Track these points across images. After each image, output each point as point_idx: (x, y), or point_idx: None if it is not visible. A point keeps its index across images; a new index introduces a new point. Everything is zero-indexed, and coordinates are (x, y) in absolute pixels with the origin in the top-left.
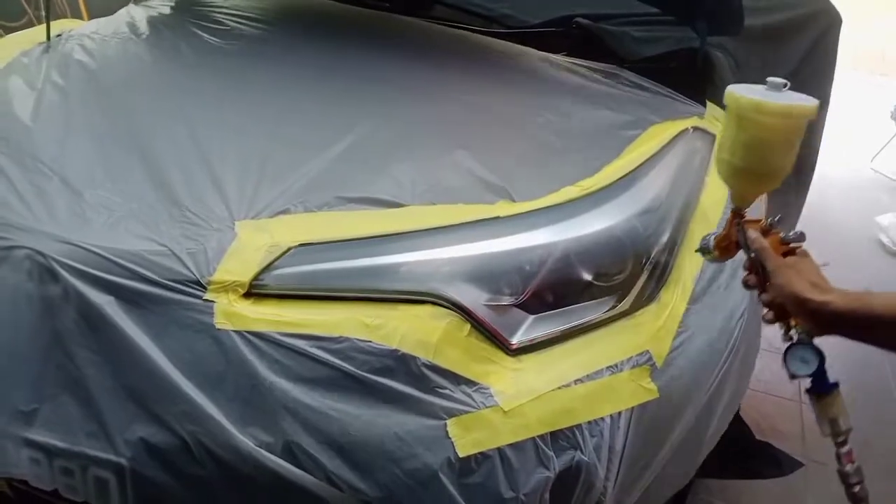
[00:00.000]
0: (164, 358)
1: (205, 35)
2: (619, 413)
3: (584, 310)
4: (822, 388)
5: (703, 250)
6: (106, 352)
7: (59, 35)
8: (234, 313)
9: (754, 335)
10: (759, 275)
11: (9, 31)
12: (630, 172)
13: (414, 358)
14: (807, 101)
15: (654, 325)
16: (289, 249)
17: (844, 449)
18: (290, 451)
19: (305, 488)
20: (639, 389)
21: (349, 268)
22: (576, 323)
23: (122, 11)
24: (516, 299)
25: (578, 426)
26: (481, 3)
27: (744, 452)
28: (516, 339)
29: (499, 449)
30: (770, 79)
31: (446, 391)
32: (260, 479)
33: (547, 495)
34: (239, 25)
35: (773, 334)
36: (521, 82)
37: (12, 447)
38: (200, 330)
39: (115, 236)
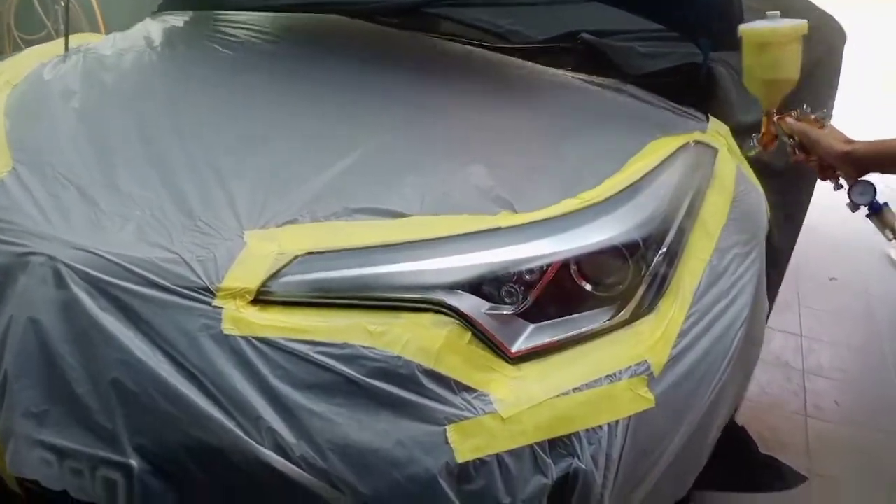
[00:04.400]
0: (172, 362)
1: (219, 48)
2: (617, 421)
3: (583, 319)
4: (877, 207)
5: (750, 149)
6: (115, 355)
7: (77, 48)
8: (241, 319)
9: (754, 345)
10: (803, 150)
11: (28, 43)
12: (630, 185)
13: (415, 364)
14: (800, 21)
15: (653, 335)
16: (295, 258)
17: None
18: (293, 454)
19: (308, 490)
20: (636, 398)
21: (354, 276)
22: (575, 332)
23: (139, 26)
24: (517, 308)
25: (576, 434)
26: (489, 20)
27: (747, 465)
28: (516, 348)
29: (497, 455)
30: (769, 12)
31: (446, 397)
32: (263, 481)
33: (545, 502)
34: (253, 40)
35: (779, 347)
36: (527, 98)
37: (24, 448)
38: (209, 335)
39: (128, 243)
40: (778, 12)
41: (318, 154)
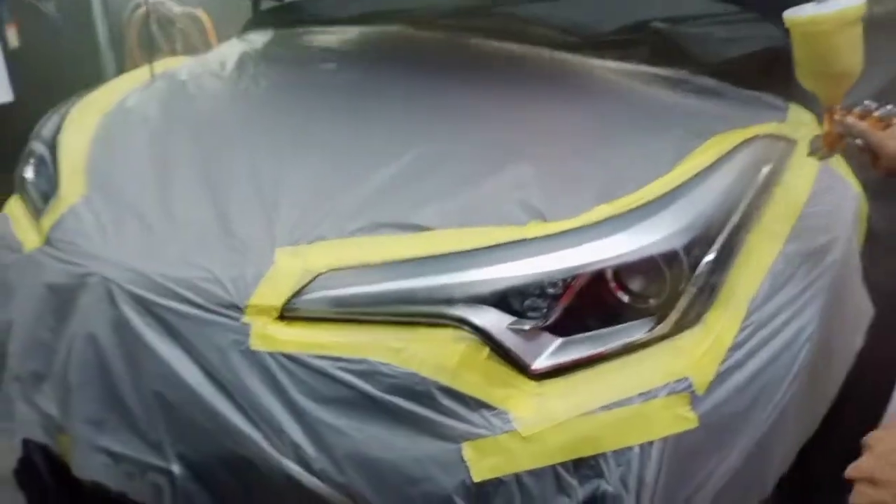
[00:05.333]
0: (207, 376)
1: (286, 67)
2: (651, 442)
3: (618, 333)
4: None
5: (814, 151)
6: (157, 369)
7: (162, 73)
8: (267, 335)
9: (833, 359)
10: (869, 152)
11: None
12: (675, 188)
13: (432, 381)
14: (854, 2)
15: (698, 350)
16: (319, 275)
17: None
18: (313, 467)
19: (328, 502)
20: (675, 418)
21: (374, 292)
22: (607, 347)
23: (220, 48)
24: (541, 322)
25: (603, 455)
26: (554, 14)
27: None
28: (538, 364)
29: (517, 475)
30: None
31: (463, 415)
32: (288, 492)
33: None
34: (322, 55)
35: None
36: (581, 97)
37: (87, 452)
38: (238, 350)
39: (172, 264)
40: None
41: (352, 168)
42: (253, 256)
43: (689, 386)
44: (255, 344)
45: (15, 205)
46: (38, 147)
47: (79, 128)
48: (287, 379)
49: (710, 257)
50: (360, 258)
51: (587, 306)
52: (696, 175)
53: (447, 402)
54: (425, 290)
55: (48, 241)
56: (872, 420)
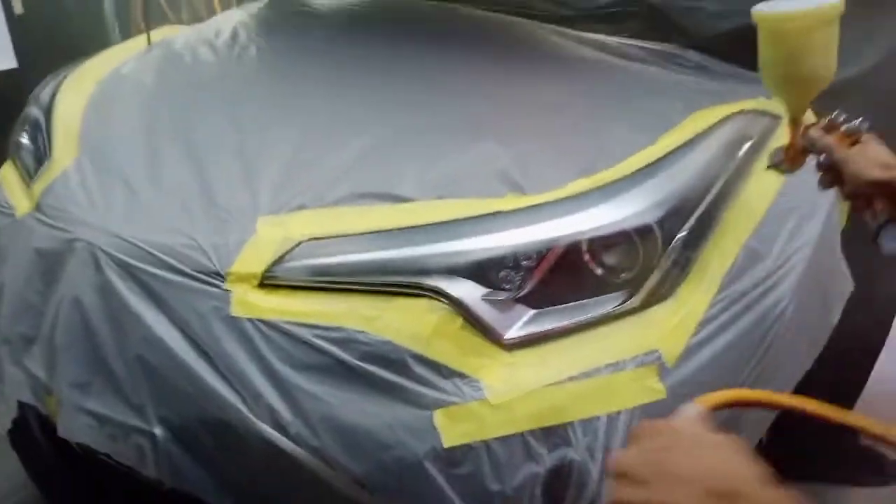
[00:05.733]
0: (188, 341)
1: (277, 38)
2: (619, 413)
3: (589, 305)
4: None
5: (775, 166)
6: (140, 333)
7: (158, 42)
8: (247, 302)
9: (811, 330)
10: (832, 171)
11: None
12: (653, 163)
13: (406, 349)
14: (830, 1)
15: (668, 323)
16: (299, 244)
17: None
18: (289, 431)
19: (304, 466)
20: (643, 389)
21: (352, 261)
22: (579, 319)
23: (220, 16)
24: (515, 293)
25: (571, 424)
26: None
27: (843, 456)
28: (511, 334)
29: (486, 442)
30: None
31: (436, 383)
32: (267, 456)
33: (538, 491)
34: (313, 27)
35: None
36: (565, 71)
37: (73, 415)
38: (219, 317)
39: (156, 231)
40: None
41: (335, 137)
42: (235, 225)
43: (659, 358)
44: (236, 311)
45: (8, 170)
46: (33, 112)
47: (74, 94)
48: (265, 345)
49: (684, 233)
50: (339, 228)
51: (561, 279)
52: (676, 150)
53: (420, 370)
54: (402, 261)
55: (38, 207)
56: (846, 397)
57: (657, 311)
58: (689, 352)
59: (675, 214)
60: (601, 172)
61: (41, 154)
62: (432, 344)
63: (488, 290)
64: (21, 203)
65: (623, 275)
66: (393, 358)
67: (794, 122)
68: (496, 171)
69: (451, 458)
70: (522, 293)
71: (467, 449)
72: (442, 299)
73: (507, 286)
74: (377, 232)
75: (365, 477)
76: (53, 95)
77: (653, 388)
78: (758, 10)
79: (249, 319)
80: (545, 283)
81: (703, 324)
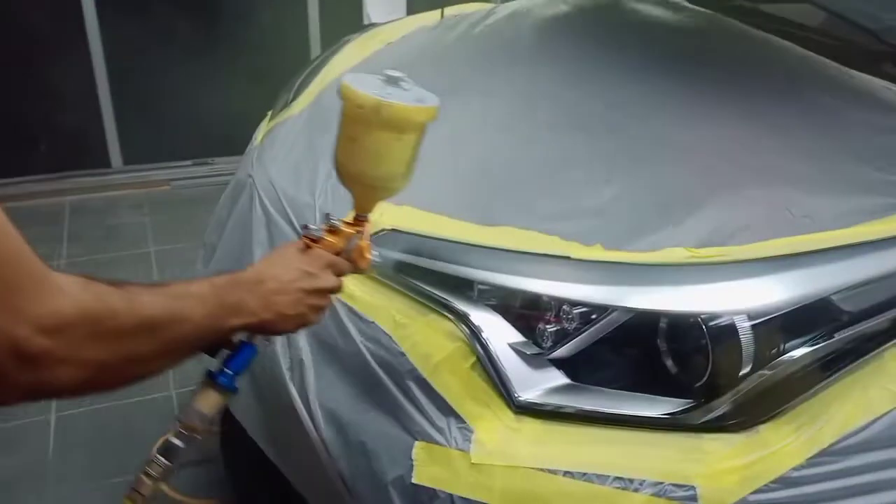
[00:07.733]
0: None
1: (547, 30)
2: None
3: (633, 399)
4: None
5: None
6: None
7: (455, 15)
8: None
9: None
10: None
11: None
12: (801, 253)
13: (413, 369)
14: (428, 104)
15: (725, 462)
16: (382, 230)
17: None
18: (300, 399)
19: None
20: None
21: (408, 261)
22: (611, 410)
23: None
24: (548, 351)
25: None
26: (865, 10)
27: None
28: (525, 396)
29: (451, 496)
30: (387, 71)
31: (430, 413)
32: (284, 410)
33: None
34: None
35: None
36: (822, 115)
37: None
38: None
39: (294, 185)
40: (401, 76)
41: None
42: None
43: (693, 498)
44: None
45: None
46: (312, 64)
47: (349, 54)
48: None
49: (799, 352)
50: (416, 227)
51: (602, 354)
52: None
53: (419, 394)
54: (448, 277)
55: (261, 142)
56: None
57: (716, 441)
58: None
59: (792, 325)
60: (720, 248)
61: (289, 100)
62: (438, 372)
63: (521, 338)
64: (258, 137)
65: (687, 380)
66: (400, 371)
67: (359, 220)
68: (603, 214)
69: (416, 495)
70: (560, 355)
71: (433, 493)
72: (464, 328)
73: (543, 341)
74: (450, 242)
75: (345, 474)
76: (333, 52)
77: None
78: (350, 83)
79: None
80: (585, 353)
81: (775, 482)
